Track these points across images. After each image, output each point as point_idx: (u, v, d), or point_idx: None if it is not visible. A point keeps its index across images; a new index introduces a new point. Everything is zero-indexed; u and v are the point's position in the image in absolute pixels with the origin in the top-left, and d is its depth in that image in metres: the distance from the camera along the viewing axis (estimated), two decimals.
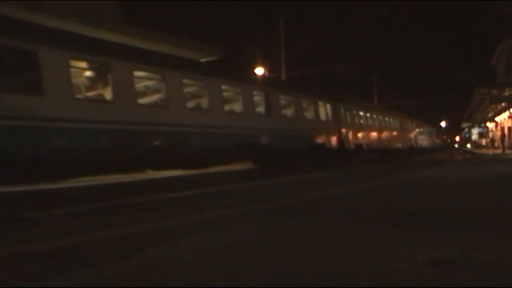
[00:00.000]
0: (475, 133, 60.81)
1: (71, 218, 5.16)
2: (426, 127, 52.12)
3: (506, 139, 36.76)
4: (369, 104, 31.76)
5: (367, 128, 26.51)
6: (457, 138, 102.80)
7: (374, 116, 28.46)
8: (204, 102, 14.19)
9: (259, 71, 28.66)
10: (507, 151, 33.29)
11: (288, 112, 18.15)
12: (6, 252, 3.34)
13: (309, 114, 19.54)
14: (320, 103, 20.49)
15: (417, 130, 42.95)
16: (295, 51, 33.59)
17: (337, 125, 21.37)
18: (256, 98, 16.45)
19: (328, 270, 2.55)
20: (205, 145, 13.30)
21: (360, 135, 24.86)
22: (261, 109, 16.77)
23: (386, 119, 31.08)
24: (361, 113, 26.07)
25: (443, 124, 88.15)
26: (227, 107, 15.14)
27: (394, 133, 32.54)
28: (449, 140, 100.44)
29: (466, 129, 76.27)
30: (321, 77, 35.13)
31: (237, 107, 15.57)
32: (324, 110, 20.72)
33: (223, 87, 14.83)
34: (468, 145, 70.71)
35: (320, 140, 19.61)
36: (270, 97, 16.76)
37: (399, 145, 33.44)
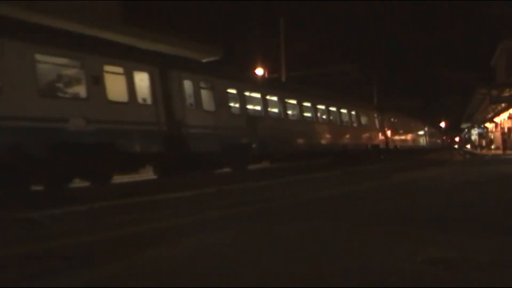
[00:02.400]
0: (474, 133, 60.84)
1: (71, 218, 5.16)
2: (414, 124, 41.51)
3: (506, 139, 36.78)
4: (286, 84, 21.85)
5: (267, 120, 16.89)
6: (457, 139, 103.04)
7: (293, 102, 19.02)
8: None
9: (259, 71, 28.70)
10: (499, 151, 33.28)
11: None
12: (6, 252, 3.34)
13: (75, 90, 10.87)
14: (115, 70, 11.32)
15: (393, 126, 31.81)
16: (295, 52, 33.62)
17: (165, 112, 12.29)
18: None
19: (328, 270, 2.55)
20: None
21: (243, 127, 15.37)
22: None
23: (320, 107, 21.09)
24: (254, 95, 16.66)
25: (442, 124, 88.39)
26: None
27: (331, 129, 21.96)
28: (449, 141, 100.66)
29: (466, 130, 76.40)
30: (321, 78, 35.15)
31: None
32: (127, 84, 11.45)
33: None
34: (468, 146, 70.84)
35: (105, 137, 10.61)
36: None
37: (347, 146, 23.25)
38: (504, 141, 34.61)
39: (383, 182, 8.83)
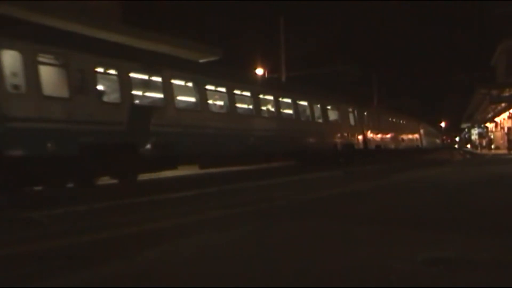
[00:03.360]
0: (474, 133, 60.85)
1: (71, 218, 5.16)
2: (406, 122, 36.98)
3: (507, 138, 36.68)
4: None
5: (172, 112, 12.06)
6: (457, 139, 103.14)
7: (221, 89, 14.24)
8: None
9: (259, 71, 28.72)
10: (499, 151, 33.15)
11: None
12: (6, 252, 3.34)
13: None
14: None
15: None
16: (295, 52, 33.57)
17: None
18: None
19: (328, 270, 2.55)
20: None
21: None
22: None
23: (266, 97, 16.58)
24: (153, 79, 11.87)
25: (442, 124, 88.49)
26: None
27: (281, 125, 16.97)
28: (449, 141, 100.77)
29: (466, 130, 76.47)
30: (321, 78, 35.11)
31: None
32: None
33: None
34: (468, 146, 70.91)
35: None
36: None
37: (304, 146, 18.25)
38: (509, 140, 34.34)
39: (382, 183, 8.84)
